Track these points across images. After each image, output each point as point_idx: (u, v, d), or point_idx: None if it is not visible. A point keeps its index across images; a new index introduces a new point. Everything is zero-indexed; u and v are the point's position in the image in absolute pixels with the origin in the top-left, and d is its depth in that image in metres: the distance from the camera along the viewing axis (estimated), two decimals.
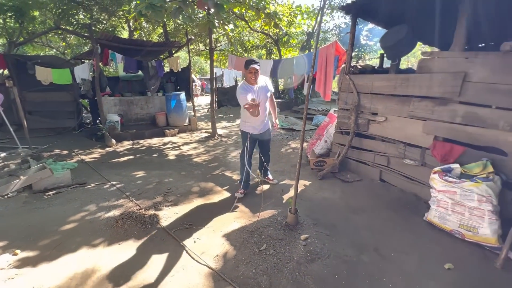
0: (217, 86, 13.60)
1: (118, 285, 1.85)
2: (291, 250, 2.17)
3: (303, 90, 6.44)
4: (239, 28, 11.28)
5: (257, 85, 2.90)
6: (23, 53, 11.70)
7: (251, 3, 5.59)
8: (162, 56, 8.40)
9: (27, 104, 6.44)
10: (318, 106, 8.85)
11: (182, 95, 6.92)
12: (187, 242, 2.31)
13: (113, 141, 5.70)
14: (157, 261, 2.08)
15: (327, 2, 12.45)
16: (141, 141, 6.08)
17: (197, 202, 3.06)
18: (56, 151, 5.09)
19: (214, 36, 10.01)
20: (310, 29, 12.54)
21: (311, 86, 2.46)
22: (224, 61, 14.49)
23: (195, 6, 4.33)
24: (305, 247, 2.20)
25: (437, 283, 1.88)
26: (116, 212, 2.78)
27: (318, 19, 11.04)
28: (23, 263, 2.06)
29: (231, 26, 5.27)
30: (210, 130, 6.69)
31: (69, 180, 3.55)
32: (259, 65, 2.82)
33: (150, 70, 6.77)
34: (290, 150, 5.20)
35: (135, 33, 11.60)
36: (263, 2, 5.58)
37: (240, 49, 13.09)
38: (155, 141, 6.10)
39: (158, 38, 11.96)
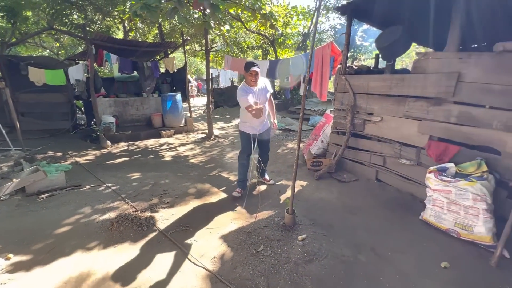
0: (213, 86, 13.56)
1: None
2: (288, 251, 2.16)
3: (299, 91, 6.45)
4: (235, 29, 11.27)
5: (257, 86, 2.93)
6: (16, 53, 11.52)
7: (247, 3, 5.59)
8: (158, 57, 8.36)
9: (20, 105, 6.34)
10: (314, 106, 8.88)
11: (178, 96, 6.89)
12: (184, 244, 2.29)
13: (108, 142, 5.64)
14: (154, 264, 2.06)
15: (323, 3, 12.51)
16: (136, 143, 6.03)
17: (194, 203, 3.04)
18: (50, 153, 5.02)
19: (210, 36, 9.97)
20: (305, 30, 12.58)
21: (307, 86, 2.47)
22: (220, 61, 14.44)
23: (191, 7, 4.31)
24: (302, 247, 2.20)
25: (433, 281, 1.89)
26: (111, 215, 2.75)
27: (314, 19, 11.09)
28: (16, 268, 2.02)
29: (227, 26, 5.25)
30: (207, 131, 6.67)
31: (63, 183, 3.50)
32: (259, 68, 2.87)
33: (145, 71, 6.72)
34: (287, 150, 5.20)
35: (130, 34, 11.52)
36: (259, 3, 5.58)
37: (236, 50, 13.08)
38: (151, 142, 6.06)
39: (153, 38, 11.88)
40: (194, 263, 2.07)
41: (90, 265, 2.04)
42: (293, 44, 12.55)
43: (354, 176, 3.68)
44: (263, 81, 3.04)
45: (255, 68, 2.80)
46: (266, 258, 2.08)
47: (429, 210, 2.52)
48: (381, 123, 3.38)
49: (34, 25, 8.89)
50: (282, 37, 11.36)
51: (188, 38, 8.26)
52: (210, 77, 6.97)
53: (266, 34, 10.84)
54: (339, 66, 4.05)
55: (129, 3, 7.93)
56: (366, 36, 14.65)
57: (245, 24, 9.72)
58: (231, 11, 7.19)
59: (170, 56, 8.03)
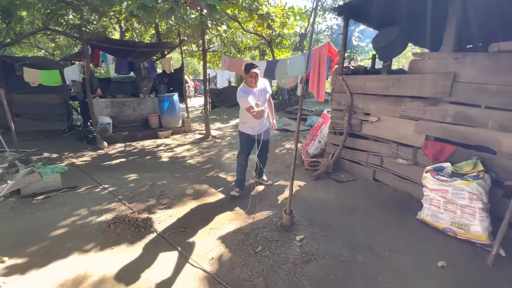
0: (211, 87, 13.55)
1: None
2: (286, 251, 2.16)
3: (296, 91, 6.47)
4: (232, 29, 11.27)
5: (257, 88, 2.95)
6: (11, 54, 11.40)
7: (244, 4, 5.60)
8: (155, 57, 8.30)
9: (15, 106, 6.26)
10: (312, 106, 8.89)
11: (175, 97, 6.85)
12: (182, 246, 2.28)
13: (105, 143, 5.60)
14: (151, 266, 2.05)
15: (320, 3, 12.56)
16: (133, 143, 6.00)
17: (191, 204, 3.03)
18: (46, 154, 4.96)
19: (207, 37, 9.96)
20: (302, 30, 12.62)
21: (305, 87, 2.48)
22: (217, 62, 14.43)
23: (188, 7, 4.30)
24: (300, 248, 2.19)
25: (431, 280, 1.90)
26: (108, 216, 2.73)
27: (311, 20, 11.12)
28: (11, 271, 1.99)
29: (224, 27, 5.24)
30: (204, 132, 6.65)
31: (59, 184, 3.46)
32: (259, 69, 2.88)
33: (142, 71, 6.68)
34: (284, 150, 5.21)
35: (126, 34, 11.43)
36: (256, 3, 5.60)
37: (233, 50, 13.08)
38: (148, 143, 6.03)
39: (150, 39, 11.83)
40: (192, 264, 2.06)
41: (86, 268, 2.02)
42: (290, 44, 12.59)
43: (352, 176, 3.69)
44: (262, 82, 3.06)
45: (255, 70, 2.81)
46: (264, 259, 2.08)
47: (426, 209, 2.53)
48: (378, 123, 3.40)
49: (29, 25, 8.79)
50: (279, 38, 11.39)
51: (185, 38, 8.21)
52: (208, 77, 6.94)
53: (263, 35, 10.85)
54: (336, 66, 4.06)
55: (125, 3, 7.87)
56: (362, 36, 14.72)
57: (242, 25, 9.72)
58: (228, 11, 7.18)
59: (167, 56, 7.99)
